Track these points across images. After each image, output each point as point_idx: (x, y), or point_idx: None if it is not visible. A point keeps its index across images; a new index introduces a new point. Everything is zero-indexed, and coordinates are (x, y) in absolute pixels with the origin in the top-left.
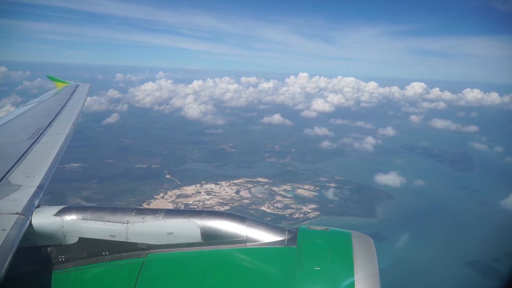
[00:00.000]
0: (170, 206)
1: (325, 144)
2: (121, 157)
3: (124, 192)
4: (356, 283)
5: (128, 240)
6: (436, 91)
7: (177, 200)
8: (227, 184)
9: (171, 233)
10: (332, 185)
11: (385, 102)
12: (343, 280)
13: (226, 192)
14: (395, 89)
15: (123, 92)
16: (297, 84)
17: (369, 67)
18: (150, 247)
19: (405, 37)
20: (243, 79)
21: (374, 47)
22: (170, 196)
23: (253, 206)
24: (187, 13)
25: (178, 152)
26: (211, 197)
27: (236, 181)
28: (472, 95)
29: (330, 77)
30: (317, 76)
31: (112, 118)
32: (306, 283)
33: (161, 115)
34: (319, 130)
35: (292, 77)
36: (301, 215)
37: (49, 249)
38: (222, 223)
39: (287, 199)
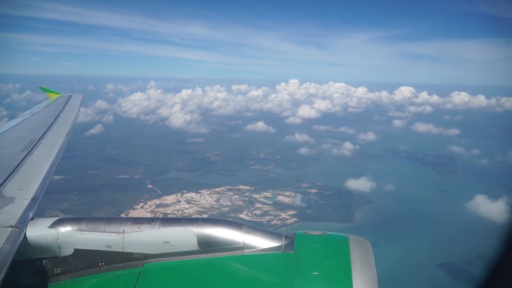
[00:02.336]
0: (149, 216)
1: (304, 150)
2: (104, 168)
3: (104, 203)
4: (354, 287)
5: (124, 250)
6: (424, 95)
7: (156, 209)
8: (208, 193)
9: (168, 242)
10: (313, 191)
11: (372, 107)
12: (341, 284)
13: (206, 201)
14: (384, 93)
15: (111, 103)
16: (286, 91)
17: (361, 72)
18: (146, 256)
19: (397, 42)
20: (234, 87)
21: (366, 52)
22: (149, 206)
23: (232, 214)
24: (179, 22)
25: (162, 161)
26: (191, 206)
27: (217, 189)
28: (459, 98)
29: (321, 83)
30: (308, 82)
31: (96, 129)
32: None
33: (147, 125)
34: (300, 137)
35: (283, 83)
36: (279, 222)
37: (44, 261)
38: (218, 231)
39: (267, 206)
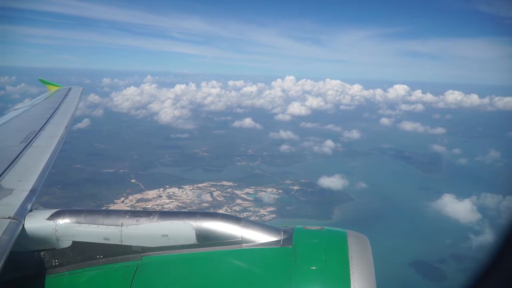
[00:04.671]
0: None
1: (286, 147)
2: (91, 162)
3: (85, 197)
4: (352, 282)
5: (123, 243)
6: (418, 93)
7: (137, 204)
8: (190, 188)
9: (166, 235)
10: (295, 187)
11: (365, 104)
12: (339, 279)
13: (188, 196)
14: (378, 91)
15: (104, 97)
16: (279, 88)
17: (359, 69)
18: (144, 249)
19: (395, 39)
20: (230, 83)
21: (364, 49)
22: (130, 201)
23: (211, 210)
24: (178, 17)
25: (149, 156)
26: (171, 201)
27: (200, 185)
28: (453, 97)
29: (317, 80)
30: (304, 79)
31: (83, 124)
32: (302, 283)
33: (137, 119)
34: (284, 134)
35: (278, 80)
36: (257, 218)
37: (42, 253)
38: (217, 224)
39: (247, 202)
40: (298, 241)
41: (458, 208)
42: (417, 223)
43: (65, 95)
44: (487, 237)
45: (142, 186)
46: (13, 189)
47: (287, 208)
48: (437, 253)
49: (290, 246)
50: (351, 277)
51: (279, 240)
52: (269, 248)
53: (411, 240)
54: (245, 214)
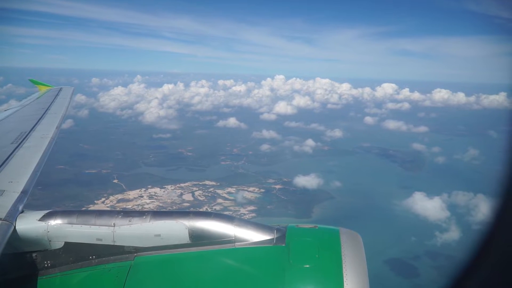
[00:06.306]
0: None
1: (267, 146)
2: (74, 163)
3: (65, 198)
4: (345, 280)
5: (115, 244)
6: (405, 92)
7: (117, 204)
8: (172, 188)
9: (159, 235)
10: (278, 186)
11: (352, 103)
12: (332, 276)
13: (169, 196)
14: (367, 90)
15: (91, 97)
16: (268, 87)
17: (350, 68)
18: (137, 249)
19: (386, 38)
20: (220, 82)
21: (355, 48)
22: (111, 201)
23: (192, 209)
24: (169, 16)
25: (134, 156)
26: (152, 201)
27: (182, 185)
28: (440, 95)
29: (308, 79)
30: (294, 78)
31: (67, 124)
32: (295, 281)
33: (123, 120)
34: (267, 133)
35: (268, 79)
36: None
37: (34, 254)
38: (210, 224)
39: (228, 202)
40: (291, 240)
41: (431, 205)
42: (395, 221)
43: (56, 95)
44: (463, 234)
45: (124, 187)
46: (4, 190)
47: (268, 207)
48: (412, 250)
49: (283, 245)
50: (344, 275)
51: (272, 239)
52: (262, 247)
53: (388, 238)
54: (225, 214)
